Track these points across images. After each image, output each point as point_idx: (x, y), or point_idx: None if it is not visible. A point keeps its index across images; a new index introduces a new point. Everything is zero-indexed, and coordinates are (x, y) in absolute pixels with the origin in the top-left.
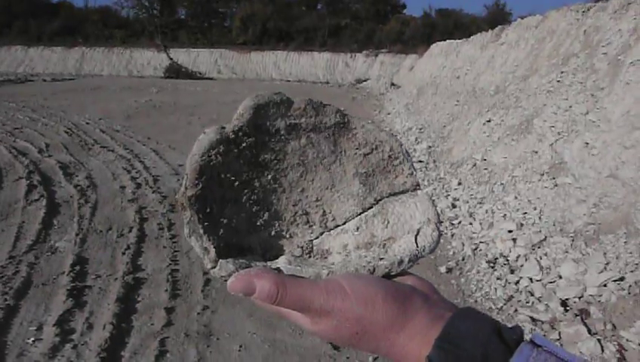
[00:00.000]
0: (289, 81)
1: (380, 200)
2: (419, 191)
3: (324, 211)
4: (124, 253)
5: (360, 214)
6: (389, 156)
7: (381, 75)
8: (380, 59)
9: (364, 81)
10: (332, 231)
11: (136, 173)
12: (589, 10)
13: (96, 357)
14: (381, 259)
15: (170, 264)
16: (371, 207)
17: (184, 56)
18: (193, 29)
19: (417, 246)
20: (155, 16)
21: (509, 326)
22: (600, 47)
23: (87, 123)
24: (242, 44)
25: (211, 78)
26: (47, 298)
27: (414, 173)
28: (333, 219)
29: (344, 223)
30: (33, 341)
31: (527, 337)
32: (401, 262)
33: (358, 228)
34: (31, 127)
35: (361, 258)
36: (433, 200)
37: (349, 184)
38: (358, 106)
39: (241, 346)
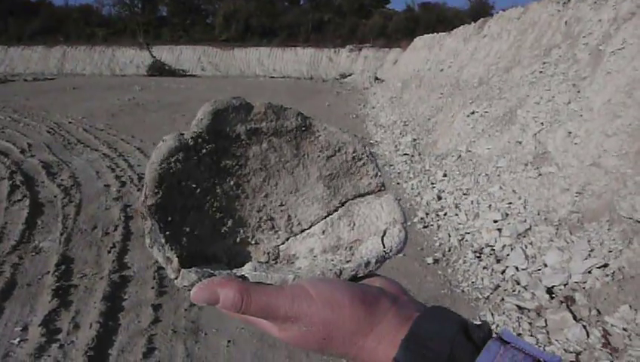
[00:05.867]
0: (273, 77)
1: (345, 202)
2: (384, 192)
3: (289, 216)
4: (109, 252)
5: (325, 217)
6: (353, 158)
7: (365, 70)
8: (364, 53)
9: (348, 75)
10: (298, 236)
11: (121, 171)
12: (569, 1)
13: (83, 356)
14: (347, 261)
15: (156, 261)
16: (337, 210)
17: (167, 54)
18: (175, 27)
19: (384, 247)
20: (136, 13)
21: (477, 323)
22: (581, 37)
23: (70, 122)
24: (225, 40)
25: (195, 76)
26: (32, 298)
27: (379, 173)
28: (299, 224)
29: (310, 227)
30: (19, 341)
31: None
32: (368, 263)
33: (324, 232)
34: (12, 127)
35: (328, 261)
36: (399, 200)
37: (313, 187)
38: (343, 101)
39: (229, 341)
